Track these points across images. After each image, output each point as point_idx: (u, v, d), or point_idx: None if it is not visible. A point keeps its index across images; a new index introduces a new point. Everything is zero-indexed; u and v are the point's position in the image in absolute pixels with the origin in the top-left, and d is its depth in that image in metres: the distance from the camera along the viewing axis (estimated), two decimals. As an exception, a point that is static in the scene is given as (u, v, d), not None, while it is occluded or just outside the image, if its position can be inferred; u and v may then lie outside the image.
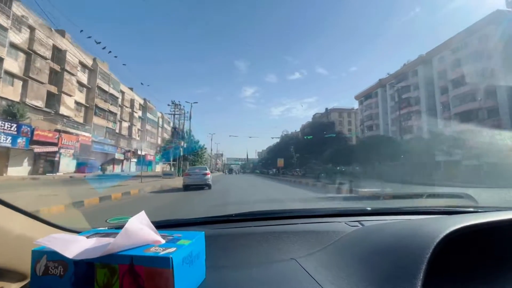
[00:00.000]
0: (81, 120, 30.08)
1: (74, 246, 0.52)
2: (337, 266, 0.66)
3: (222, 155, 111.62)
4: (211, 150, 63.82)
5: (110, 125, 35.48)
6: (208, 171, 12.99)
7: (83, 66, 30.27)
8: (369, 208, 1.21)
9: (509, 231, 0.70)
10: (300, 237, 0.92)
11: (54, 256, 0.51)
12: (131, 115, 43.41)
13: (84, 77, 30.53)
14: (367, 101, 56.97)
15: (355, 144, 40.22)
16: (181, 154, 25.75)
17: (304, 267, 0.68)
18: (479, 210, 1.05)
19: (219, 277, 0.64)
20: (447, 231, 0.60)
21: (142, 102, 47.56)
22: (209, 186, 12.35)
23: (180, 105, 28.06)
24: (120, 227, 0.82)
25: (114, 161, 37.99)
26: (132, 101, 43.66)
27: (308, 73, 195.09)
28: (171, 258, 0.47)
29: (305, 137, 34.89)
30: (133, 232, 0.53)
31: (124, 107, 40.85)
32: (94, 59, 31.97)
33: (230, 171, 76.87)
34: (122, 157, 39.07)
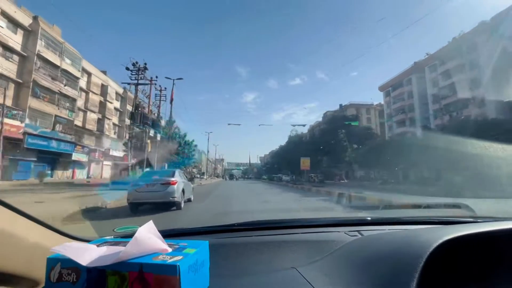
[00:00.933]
0: (8, 102, 20.32)
1: (87, 254, 0.54)
2: (336, 275, 0.68)
3: (222, 160, 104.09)
4: (208, 151, 54.00)
5: (64, 113, 25.71)
6: (174, 179, 7.07)
7: (12, 22, 20.64)
8: (368, 218, 1.23)
9: (508, 241, 0.71)
10: (301, 246, 0.94)
11: (68, 264, 0.53)
12: (103, 104, 33.70)
13: (14, 39, 20.86)
14: (397, 91, 46.89)
15: (397, 140, 29.81)
16: (149, 149, 15.74)
17: (304, 275, 0.69)
18: (478, 220, 1.06)
19: (222, 285, 0.66)
20: (441, 241, 0.63)
21: (120, 91, 37.84)
22: (176, 205, 6.94)
23: (146, 69, 17.84)
24: (127, 236, 0.82)
25: (74, 164, 28.17)
26: (104, 88, 33.98)
27: (309, 79, 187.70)
28: (178, 266, 0.49)
29: (346, 123, 24.78)
30: (142, 241, 0.55)
31: (91, 93, 31.18)
32: (34, 17, 22.38)
33: (231, 176, 68.30)
34: (84, 158, 29.19)
